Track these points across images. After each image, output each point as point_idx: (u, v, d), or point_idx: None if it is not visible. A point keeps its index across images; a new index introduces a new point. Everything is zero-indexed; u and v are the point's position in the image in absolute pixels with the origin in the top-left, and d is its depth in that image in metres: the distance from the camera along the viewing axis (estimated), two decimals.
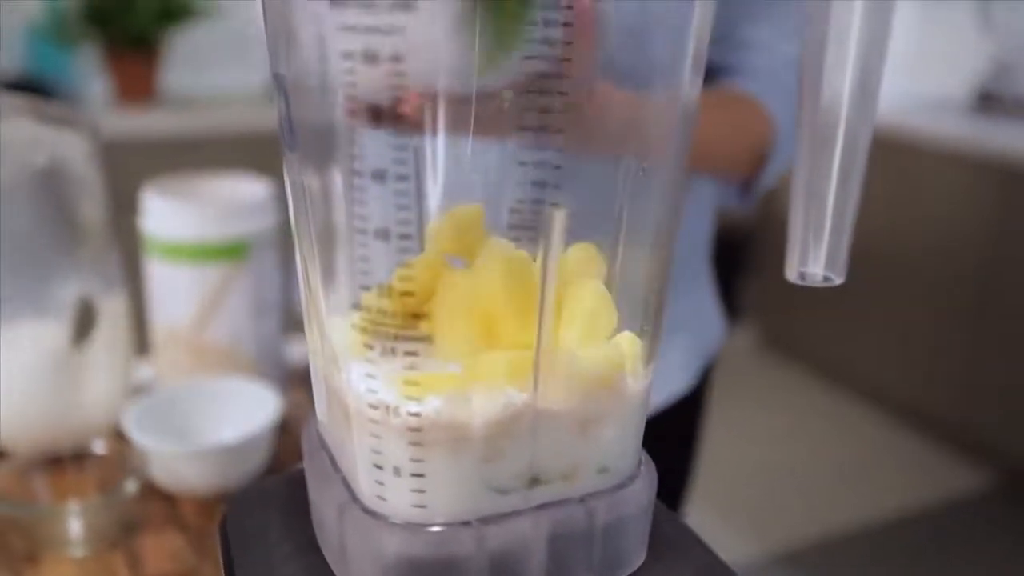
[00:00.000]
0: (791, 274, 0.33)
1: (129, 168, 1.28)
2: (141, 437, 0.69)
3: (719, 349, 0.99)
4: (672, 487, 0.98)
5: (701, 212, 0.90)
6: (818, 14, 0.30)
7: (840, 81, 0.30)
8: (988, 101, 2.80)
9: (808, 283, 0.33)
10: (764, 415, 2.81)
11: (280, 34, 0.34)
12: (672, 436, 0.94)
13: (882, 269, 2.73)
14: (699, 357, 0.95)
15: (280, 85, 0.34)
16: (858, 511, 2.30)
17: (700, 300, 0.95)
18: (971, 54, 2.87)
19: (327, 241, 0.33)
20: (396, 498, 0.35)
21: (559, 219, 0.30)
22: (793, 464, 2.53)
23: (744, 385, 2.99)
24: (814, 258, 0.32)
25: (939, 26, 3.01)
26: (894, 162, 2.67)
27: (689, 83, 0.35)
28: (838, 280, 0.33)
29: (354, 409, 0.34)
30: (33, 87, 2.28)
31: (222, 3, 2.42)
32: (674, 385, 0.91)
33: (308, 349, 0.40)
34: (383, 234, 0.30)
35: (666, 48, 0.35)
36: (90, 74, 2.38)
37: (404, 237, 0.30)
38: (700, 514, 2.21)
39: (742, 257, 3.20)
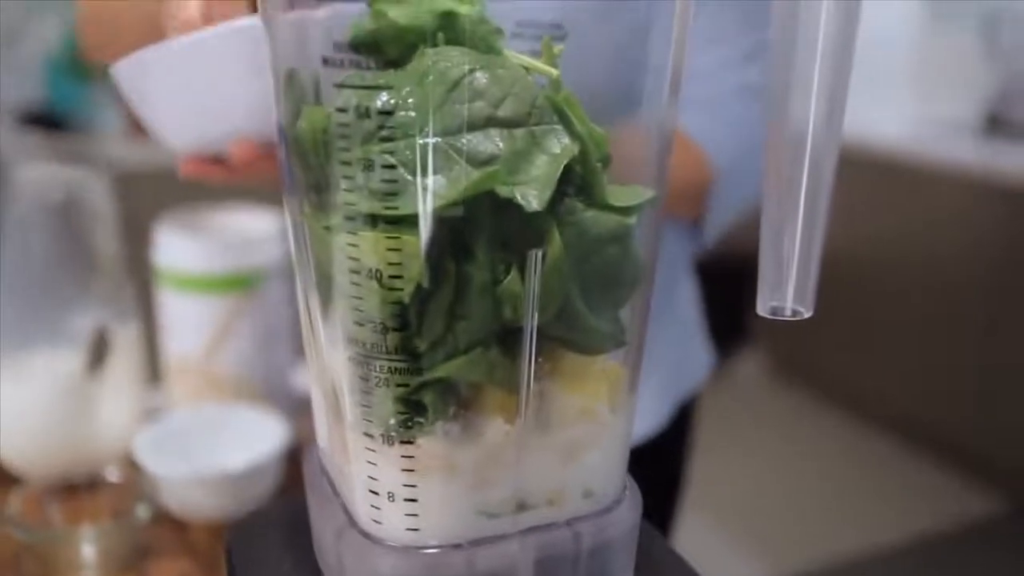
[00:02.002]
0: (762, 308, 0.35)
1: (142, 197, 1.31)
2: (151, 464, 0.71)
3: (698, 386, 0.94)
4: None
5: (669, 254, 0.84)
6: (781, 55, 0.32)
7: (804, 124, 0.32)
8: (995, 124, 2.81)
9: (778, 316, 0.35)
10: (772, 439, 2.81)
11: (281, 86, 0.36)
12: (648, 477, 0.90)
13: (891, 293, 2.73)
14: (673, 395, 0.90)
15: (281, 133, 0.37)
16: (868, 536, 2.29)
17: (674, 337, 0.90)
18: (978, 77, 2.89)
19: (324, 279, 0.36)
20: (391, 522, 0.37)
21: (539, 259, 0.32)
22: (802, 488, 2.53)
23: (753, 409, 2.99)
24: (783, 293, 0.34)
25: (946, 49, 3.03)
26: (902, 186, 2.68)
27: (667, 106, 0.37)
28: (807, 313, 0.34)
29: (351, 437, 0.36)
30: (50, 118, 2.33)
31: None
32: (644, 425, 0.86)
33: (309, 378, 0.42)
34: (375, 275, 0.32)
35: (645, 72, 0.36)
36: (105, 106, 2.42)
37: (395, 277, 0.32)
38: (707, 538, 2.21)
39: (751, 281, 3.21)
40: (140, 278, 0.84)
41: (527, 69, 0.35)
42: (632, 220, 0.35)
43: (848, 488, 2.54)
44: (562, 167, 0.32)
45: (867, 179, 2.78)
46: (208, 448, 0.76)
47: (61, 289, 0.77)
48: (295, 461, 0.77)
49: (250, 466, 0.71)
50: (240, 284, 0.82)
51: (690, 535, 1.04)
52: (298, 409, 0.88)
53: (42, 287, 0.77)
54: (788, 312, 0.34)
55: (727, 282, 1.34)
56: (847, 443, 2.78)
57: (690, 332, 0.94)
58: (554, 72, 0.35)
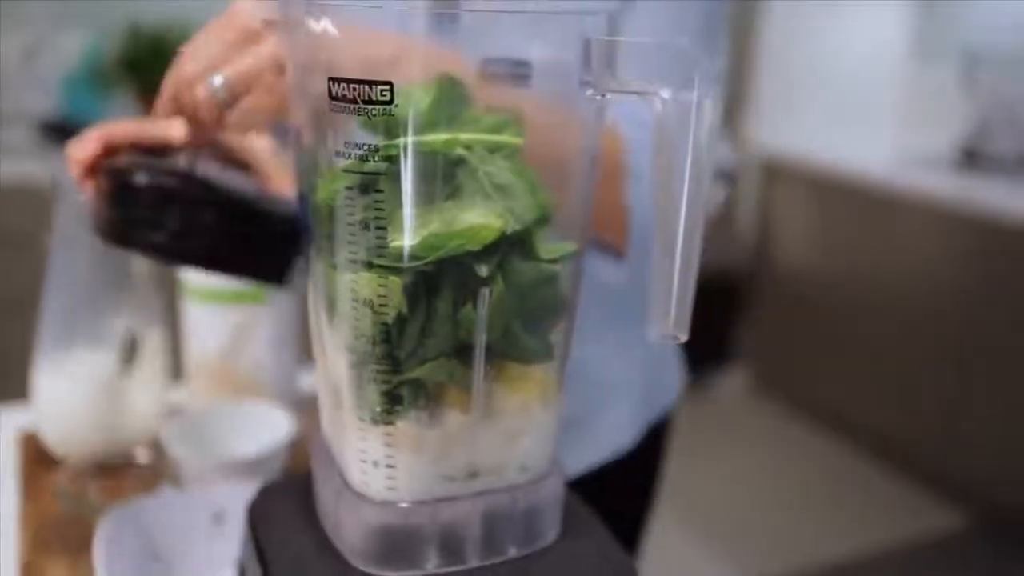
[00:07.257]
0: (652, 335, 0.47)
1: None
2: (176, 450, 0.82)
3: (671, 407, 0.97)
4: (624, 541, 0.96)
5: (640, 282, 0.83)
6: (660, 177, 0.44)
7: (676, 220, 0.45)
8: (971, 158, 2.88)
9: (662, 342, 0.47)
10: (752, 453, 2.89)
11: (305, 169, 0.49)
12: (620, 490, 0.90)
13: (868, 317, 2.83)
14: (645, 416, 0.93)
15: (303, 200, 0.49)
16: (840, 548, 2.37)
17: (647, 360, 0.93)
18: (956, 112, 2.97)
19: (331, 303, 0.48)
20: (375, 483, 0.49)
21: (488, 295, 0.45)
22: (779, 501, 2.61)
23: (733, 424, 3.06)
24: (667, 322, 0.46)
25: (926, 84, 3.12)
26: (881, 215, 2.77)
27: (589, 181, 0.49)
28: (683, 338, 0.47)
29: (348, 420, 0.49)
30: (69, 130, 2.45)
31: None
32: (618, 441, 0.90)
33: (316, 376, 0.54)
34: (368, 303, 0.45)
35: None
36: (123, 119, 2.53)
37: (382, 305, 0.45)
38: (686, 549, 2.27)
39: (737, 300, 3.30)
40: (166, 289, 0.96)
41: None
42: (558, 268, 0.48)
43: (822, 501, 2.61)
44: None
45: (847, 208, 2.87)
46: (224, 437, 0.87)
47: (99, 298, 0.88)
48: (299, 449, 0.89)
49: (260, 453, 0.82)
50: (254, 297, 0.95)
51: (670, 546, 1.05)
52: (302, 405, 0.99)
53: (83, 296, 0.87)
54: (671, 337, 0.46)
55: (709, 301, 1.42)
56: (823, 458, 2.86)
57: (662, 354, 0.97)
58: (519, 142, 0.46)
